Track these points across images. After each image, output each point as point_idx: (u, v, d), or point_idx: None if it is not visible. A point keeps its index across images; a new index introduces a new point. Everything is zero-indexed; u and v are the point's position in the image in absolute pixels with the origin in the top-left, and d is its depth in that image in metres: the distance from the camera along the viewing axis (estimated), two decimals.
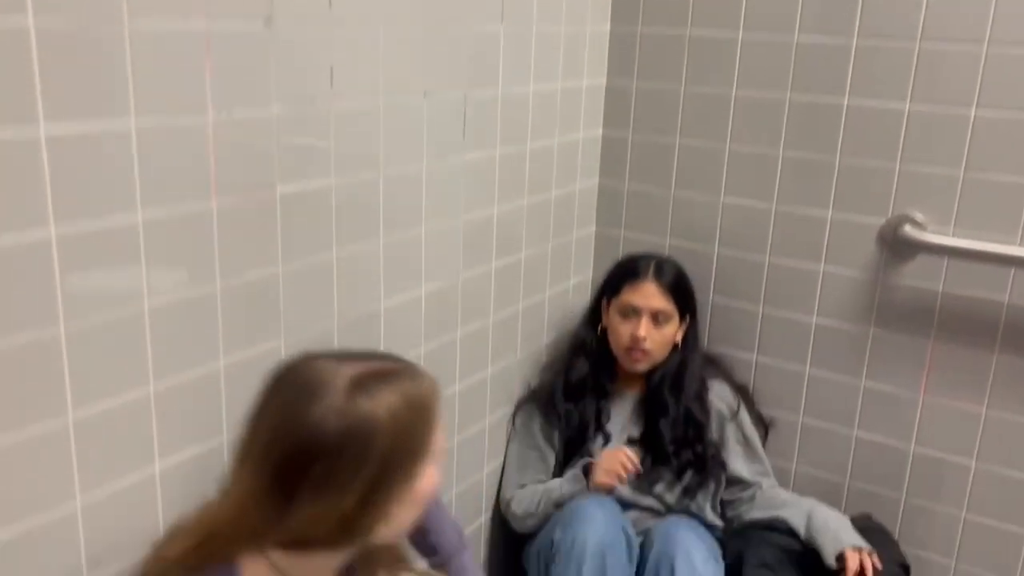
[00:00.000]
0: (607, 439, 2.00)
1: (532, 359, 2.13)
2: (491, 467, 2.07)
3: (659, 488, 1.95)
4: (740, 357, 2.14)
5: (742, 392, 2.08)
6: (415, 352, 1.72)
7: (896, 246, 1.90)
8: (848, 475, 2.08)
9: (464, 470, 1.97)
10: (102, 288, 1.11)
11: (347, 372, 0.99)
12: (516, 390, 2.10)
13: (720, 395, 2.03)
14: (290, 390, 1.00)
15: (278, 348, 1.40)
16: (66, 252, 1.05)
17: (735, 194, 2.08)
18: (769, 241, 2.06)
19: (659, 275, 1.95)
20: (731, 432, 2.01)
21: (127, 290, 1.14)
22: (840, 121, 1.92)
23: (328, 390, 0.96)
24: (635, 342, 1.92)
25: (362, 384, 0.98)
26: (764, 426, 2.11)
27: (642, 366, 1.95)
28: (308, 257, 1.42)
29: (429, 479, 1.03)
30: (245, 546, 1.01)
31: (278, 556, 1.03)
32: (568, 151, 2.09)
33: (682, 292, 1.97)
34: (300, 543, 1.01)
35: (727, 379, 2.07)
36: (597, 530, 1.72)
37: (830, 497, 2.04)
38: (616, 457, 1.82)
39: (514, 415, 2.10)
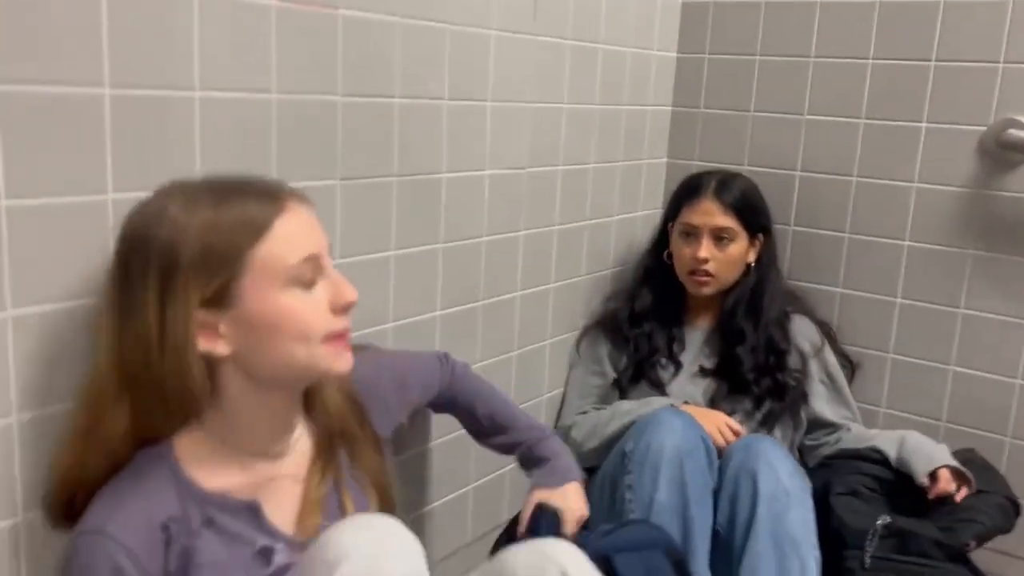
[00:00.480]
0: (678, 368, 1.85)
1: (597, 284, 2.01)
2: (552, 394, 1.94)
3: (736, 418, 1.77)
4: (822, 292, 1.99)
5: (825, 329, 1.91)
6: (476, 241, 1.63)
7: (999, 153, 1.75)
8: (944, 416, 1.89)
9: (522, 391, 1.84)
10: None
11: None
12: (579, 316, 1.97)
13: (802, 331, 1.86)
14: None
15: None
16: None
17: (818, 111, 1.95)
18: (856, 161, 1.92)
19: (720, 191, 1.81)
20: (814, 370, 1.85)
21: None
22: (936, 17, 1.79)
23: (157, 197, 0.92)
24: (696, 264, 1.79)
25: (188, 191, 0.92)
26: (851, 367, 1.94)
27: (708, 290, 1.82)
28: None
29: (270, 305, 0.89)
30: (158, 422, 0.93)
31: (208, 415, 0.95)
32: (641, 65, 2.00)
33: (750, 209, 1.83)
34: (185, 385, 0.91)
35: (809, 315, 1.92)
36: (675, 437, 1.56)
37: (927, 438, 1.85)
38: (715, 420, 1.68)
39: (578, 341, 1.97)
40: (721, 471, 1.60)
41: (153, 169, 1.04)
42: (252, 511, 0.97)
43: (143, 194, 0.96)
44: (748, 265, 1.84)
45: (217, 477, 0.96)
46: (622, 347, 1.88)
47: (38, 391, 0.99)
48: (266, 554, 0.97)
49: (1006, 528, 1.57)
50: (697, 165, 2.09)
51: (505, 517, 1.68)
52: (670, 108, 2.14)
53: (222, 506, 0.95)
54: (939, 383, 1.88)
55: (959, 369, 1.86)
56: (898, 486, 1.65)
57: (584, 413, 1.88)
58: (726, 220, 1.78)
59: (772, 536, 1.47)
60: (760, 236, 1.85)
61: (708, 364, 1.84)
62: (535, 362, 1.87)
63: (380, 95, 1.38)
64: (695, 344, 1.88)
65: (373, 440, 1.13)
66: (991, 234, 1.79)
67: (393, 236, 1.45)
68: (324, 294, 0.93)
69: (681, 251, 1.83)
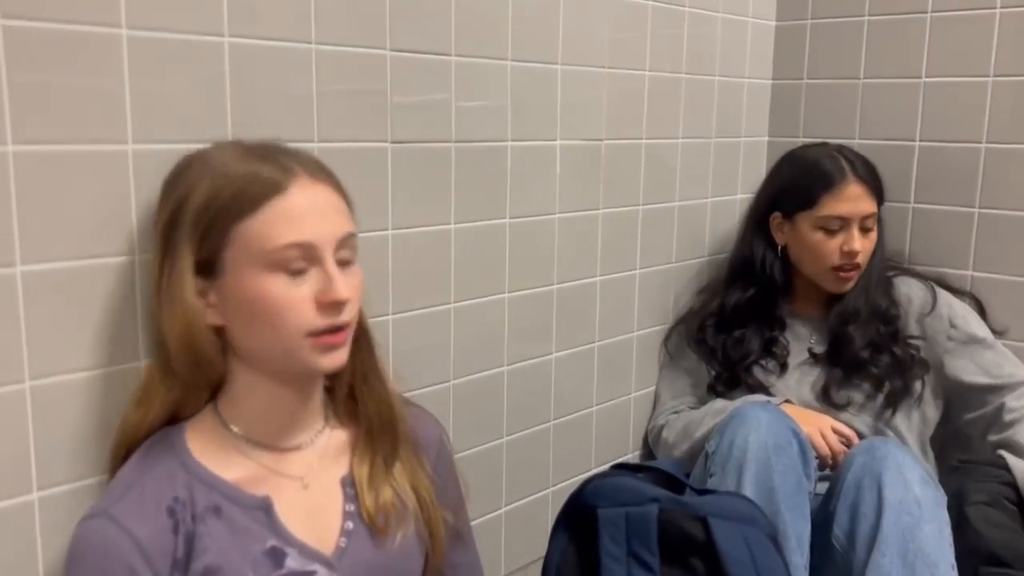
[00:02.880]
0: (783, 367, 1.65)
1: (690, 273, 1.83)
2: (640, 392, 1.77)
3: (853, 408, 1.58)
4: (951, 277, 1.74)
5: (936, 282, 1.67)
6: (547, 217, 1.49)
7: None
8: None
9: (606, 388, 1.68)
10: None
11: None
12: (670, 307, 1.80)
13: (907, 293, 1.65)
14: None
15: None
16: None
17: (940, 72, 1.73)
18: (985, 125, 1.69)
19: (856, 171, 1.61)
20: (935, 329, 1.60)
21: None
22: None
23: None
24: (848, 258, 1.59)
25: (223, 148, 0.90)
26: (979, 305, 1.69)
27: (851, 284, 1.62)
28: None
29: (247, 284, 0.84)
30: (182, 394, 0.90)
31: (220, 400, 0.92)
32: (735, 32, 1.83)
33: (880, 183, 1.64)
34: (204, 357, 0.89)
35: (911, 273, 1.70)
36: (761, 432, 1.37)
37: None
38: (818, 423, 1.47)
39: (667, 338, 1.80)
40: (840, 477, 1.38)
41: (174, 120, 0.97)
42: (264, 509, 0.90)
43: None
44: None
45: (227, 467, 0.90)
46: (710, 352, 1.70)
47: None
48: (276, 556, 0.89)
49: None
50: (802, 143, 1.89)
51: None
52: (770, 81, 1.96)
53: (232, 497, 0.89)
54: None
55: None
56: None
57: (677, 413, 1.71)
58: (871, 203, 1.61)
59: (901, 553, 1.25)
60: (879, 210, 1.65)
61: (818, 350, 1.65)
62: (621, 356, 1.71)
63: (434, 51, 1.27)
64: (803, 334, 1.68)
65: (418, 461, 1.01)
66: None
67: (452, 208, 1.34)
68: (312, 286, 0.85)
69: (823, 247, 1.61)
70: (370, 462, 0.96)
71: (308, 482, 0.94)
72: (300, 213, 0.84)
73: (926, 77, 1.75)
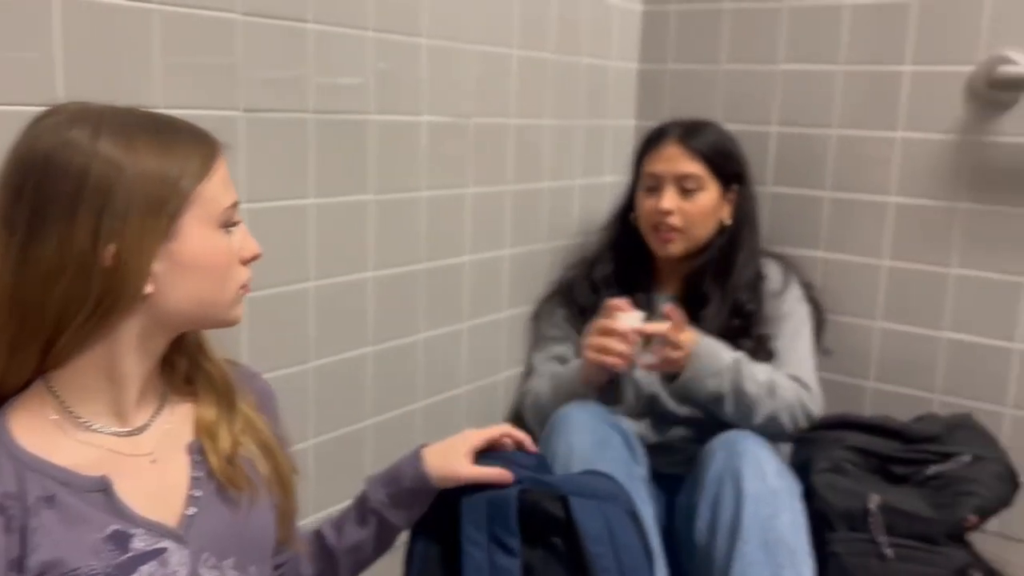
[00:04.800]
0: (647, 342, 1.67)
1: (560, 254, 1.84)
2: (509, 373, 1.77)
3: None
4: (802, 257, 1.83)
5: (792, 271, 1.68)
6: (414, 195, 1.47)
7: (990, 94, 1.60)
8: (937, 387, 1.72)
9: (475, 369, 1.67)
10: None
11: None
12: (540, 288, 1.81)
13: (769, 275, 1.66)
14: None
15: None
16: None
17: (795, 59, 1.80)
18: (836, 111, 1.77)
19: (686, 135, 1.61)
20: (771, 310, 1.62)
21: None
22: None
23: (59, 113, 0.83)
24: (659, 216, 1.59)
25: (100, 115, 0.83)
26: (819, 316, 1.70)
27: (675, 248, 1.61)
28: None
29: (202, 243, 0.86)
30: (5, 366, 0.84)
31: (55, 378, 0.86)
32: (603, 12, 1.85)
33: (721, 154, 1.63)
34: (59, 330, 0.82)
35: (777, 258, 1.70)
36: (582, 434, 1.40)
37: (915, 413, 1.69)
38: (602, 327, 1.48)
39: (538, 311, 1.80)
40: (701, 473, 1.42)
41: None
42: (102, 490, 0.84)
43: None
44: (721, 223, 1.64)
45: (60, 451, 0.84)
46: (580, 317, 1.68)
47: None
48: (120, 539, 0.83)
49: (1006, 500, 1.40)
50: None
51: None
52: (636, 65, 1.99)
53: (66, 482, 0.82)
54: (930, 351, 1.72)
55: (952, 335, 1.70)
56: (886, 458, 1.48)
57: (541, 376, 1.71)
58: (692, 166, 1.59)
59: (762, 541, 1.29)
60: (735, 187, 1.64)
61: None
62: (489, 336, 1.71)
63: (289, 17, 1.22)
64: (661, 312, 1.69)
65: (267, 426, 1.00)
66: (984, 185, 1.64)
67: (311, 182, 1.30)
68: (237, 244, 0.90)
69: (645, 204, 1.63)
70: (212, 421, 0.94)
71: (156, 456, 0.90)
72: (228, 176, 0.89)
73: (782, 64, 1.81)
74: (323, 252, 1.33)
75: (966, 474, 1.37)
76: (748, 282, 1.63)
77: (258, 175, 1.21)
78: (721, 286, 1.62)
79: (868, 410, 1.76)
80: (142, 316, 0.85)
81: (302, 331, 1.33)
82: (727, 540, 1.32)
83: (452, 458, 1.15)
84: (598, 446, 1.41)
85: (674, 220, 1.59)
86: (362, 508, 1.11)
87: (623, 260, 1.71)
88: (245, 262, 0.91)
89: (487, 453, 1.17)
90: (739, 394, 1.48)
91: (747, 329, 1.60)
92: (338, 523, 1.11)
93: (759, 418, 1.49)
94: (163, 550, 0.85)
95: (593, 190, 1.90)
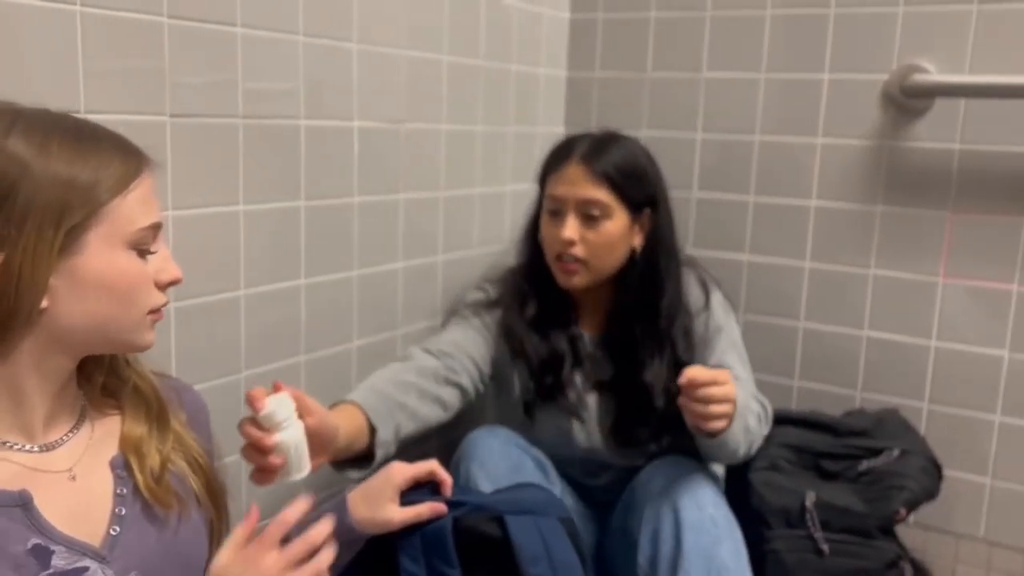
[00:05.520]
0: (570, 382, 1.49)
1: (490, 261, 1.84)
2: None
3: (643, 438, 1.47)
4: (728, 260, 1.87)
5: (704, 272, 1.56)
6: (346, 201, 1.45)
7: (904, 101, 1.66)
8: (859, 385, 1.78)
9: None
10: None
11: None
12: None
13: (686, 290, 1.51)
14: None
15: None
16: None
17: (718, 67, 1.85)
18: (758, 118, 1.82)
19: (590, 155, 1.42)
20: (697, 328, 1.48)
21: None
22: None
23: None
24: (561, 246, 1.42)
25: (18, 114, 0.80)
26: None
27: (579, 280, 1.44)
28: None
29: (106, 262, 0.82)
30: None
31: None
32: (531, 20, 1.86)
33: (628, 177, 1.42)
34: None
35: (693, 271, 1.54)
36: (494, 461, 1.35)
37: (841, 410, 1.75)
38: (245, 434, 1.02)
39: (478, 298, 1.57)
40: (637, 503, 1.37)
41: None
42: (21, 504, 0.81)
43: None
44: (632, 250, 1.46)
45: None
46: (524, 357, 1.50)
47: None
48: (41, 555, 0.80)
49: (932, 492, 1.46)
50: None
51: None
52: (565, 72, 2.01)
53: None
54: (852, 351, 1.78)
55: (872, 334, 1.76)
56: (820, 454, 1.52)
57: (428, 351, 1.44)
58: (596, 191, 1.40)
59: (704, 570, 1.25)
60: (646, 211, 1.46)
61: (603, 376, 1.49)
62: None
63: (217, 21, 1.19)
64: (588, 351, 1.52)
65: (196, 442, 0.97)
66: (899, 188, 1.71)
67: (241, 188, 1.27)
68: (154, 266, 0.86)
69: (547, 232, 1.46)
70: (140, 437, 0.91)
71: (75, 473, 0.86)
72: (149, 195, 0.85)
73: (706, 72, 1.86)
74: (254, 260, 1.30)
75: (895, 468, 1.43)
76: (677, 320, 1.47)
77: (186, 182, 1.17)
78: (650, 326, 1.46)
79: (795, 408, 1.81)
80: (40, 334, 0.81)
81: (234, 340, 1.29)
82: (668, 571, 1.28)
83: (380, 504, 1.12)
84: (512, 471, 1.35)
85: (576, 251, 1.42)
86: None
87: (542, 295, 1.52)
88: (162, 287, 0.87)
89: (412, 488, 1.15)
90: (747, 432, 1.35)
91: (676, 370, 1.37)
92: None
93: (752, 450, 1.40)
94: (84, 569, 0.82)
95: (523, 196, 1.91)
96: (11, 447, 0.83)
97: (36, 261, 0.77)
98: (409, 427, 1.32)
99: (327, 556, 0.90)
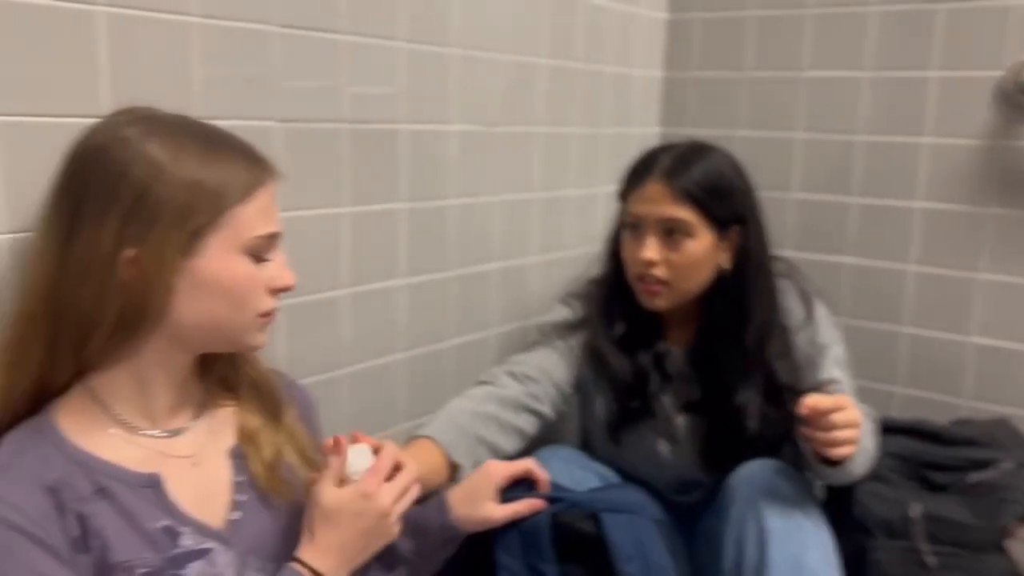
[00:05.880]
0: (659, 401, 1.45)
1: (584, 265, 1.84)
2: None
3: (735, 460, 1.36)
4: (827, 263, 1.83)
5: (804, 281, 1.46)
6: (443, 203, 1.48)
7: (1018, 99, 1.59)
8: (966, 394, 1.72)
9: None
10: None
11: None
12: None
13: (787, 305, 1.43)
14: None
15: None
16: None
17: (819, 65, 1.80)
18: (860, 117, 1.77)
19: (672, 171, 1.34)
20: (799, 344, 1.41)
21: None
22: None
23: (124, 113, 0.86)
24: (642, 267, 1.36)
25: (158, 118, 0.86)
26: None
27: (661, 302, 1.38)
28: None
29: (224, 266, 0.85)
30: (47, 364, 0.85)
31: (95, 379, 0.87)
32: (628, 21, 1.86)
33: (714, 194, 1.35)
34: (88, 335, 0.83)
35: (792, 283, 1.45)
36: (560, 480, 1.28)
37: (946, 419, 1.68)
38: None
39: (558, 322, 1.51)
40: (722, 510, 1.31)
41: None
42: (152, 486, 0.87)
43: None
44: (719, 268, 1.38)
45: (108, 449, 0.86)
46: (610, 377, 1.45)
47: None
48: (170, 535, 0.86)
49: None
50: (690, 134, 1.93)
51: None
52: (661, 73, 2.00)
53: (117, 477, 0.85)
54: (959, 357, 1.71)
55: (981, 340, 1.69)
56: (926, 464, 1.47)
57: (513, 375, 1.41)
58: (678, 210, 1.33)
59: None
60: (734, 228, 1.37)
61: (693, 396, 1.44)
62: (517, 343, 1.70)
63: (322, 28, 1.24)
64: (677, 369, 1.45)
65: (307, 437, 1.03)
66: (1012, 189, 1.63)
67: (345, 191, 1.31)
68: (268, 272, 0.90)
69: (627, 251, 1.40)
70: (256, 429, 0.96)
71: (198, 460, 0.91)
72: (270, 204, 0.89)
73: (807, 71, 1.82)
74: (356, 260, 1.34)
75: (1007, 481, 1.37)
76: (771, 343, 1.38)
77: (293, 184, 1.22)
78: (738, 349, 1.38)
79: (896, 415, 1.75)
80: (164, 332, 0.86)
81: (336, 338, 1.34)
82: None
83: (480, 503, 1.14)
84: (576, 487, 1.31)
85: (658, 271, 1.35)
86: (389, 556, 1.05)
87: (627, 312, 1.45)
88: (274, 292, 0.91)
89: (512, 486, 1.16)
90: (866, 453, 1.27)
91: (786, 414, 1.30)
92: (364, 568, 1.00)
93: (869, 469, 1.31)
94: (209, 550, 0.87)
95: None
96: (141, 432, 0.88)
97: (163, 261, 0.81)
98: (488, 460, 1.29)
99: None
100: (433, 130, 1.44)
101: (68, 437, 0.84)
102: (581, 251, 1.83)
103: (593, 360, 1.46)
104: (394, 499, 0.92)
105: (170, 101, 1.02)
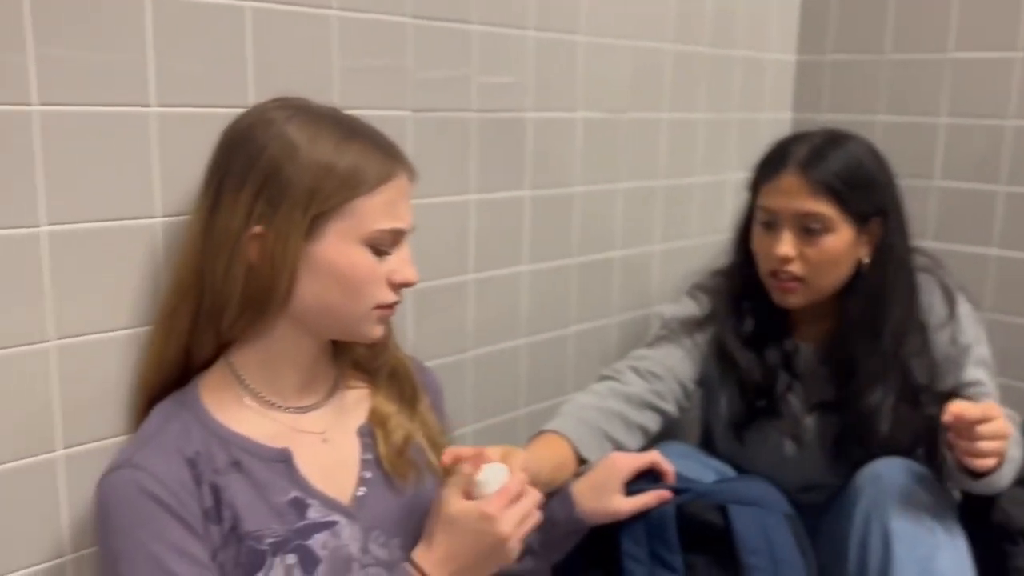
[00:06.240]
0: (786, 401, 1.40)
1: (709, 253, 1.81)
2: None
3: (864, 463, 1.31)
4: (974, 253, 1.73)
5: (945, 275, 1.39)
6: (568, 191, 1.49)
7: None
8: None
9: None
10: None
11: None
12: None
13: (929, 300, 1.36)
14: None
15: None
16: None
17: (966, 46, 1.71)
18: (1012, 101, 1.66)
19: (809, 163, 1.28)
20: (939, 343, 1.34)
21: None
22: None
23: (280, 99, 0.91)
24: (777, 263, 1.31)
25: (307, 106, 0.90)
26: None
27: (795, 300, 1.33)
28: None
29: (340, 254, 0.87)
30: (193, 337, 0.91)
31: (235, 355, 0.92)
32: (757, 7, 1.81)
33: (856, 186, 1.29)
34: (222, 310, 0.88)
35: (935, 277, 1.39)
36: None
37: None
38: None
39: (667, 319, 1.49)
40: (846, 509, 1.27)
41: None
42: (284, 460, 0.91)
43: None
44: (859, 262, 1.33)
45: (244, 423, 0.91)
46: (736, 376, 1.42)
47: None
48: (299, 507, 0.90)
49: None
50: (825, 120, 1.87)
51: None
52: (794, 57, 1.94)
53: (251, 451, 0.90)
54: None
55: None
56: None
57: (630, 370, 1.40)
58: (816, 204, 1.27)
59: None
60: (874, 221, 1.32)
61: (825, 396, 1.39)
62: (639, 331, 1.70)
63: (454, 19, 1.26)
64: (807, 367, 1.41)
65: (429, 409, 1.06)
66: None
67: (472, 179, 1.33)
68: (389, 266, 0.91)
69: (758, 246, 1.35)
70: (389, 414, 0.99)
71: (328, 437, 0.95)
72: (401, 200, 0.90)
73: (952, 52, 1.72)
74: (482, 246, 1.37)
75: None
76: (908, 342, 1.33)
77: (424, 173, 1.25)
78: (875, 347, 1.32)
79: None
80: (289, 314, 0.89)
81: (461, 322, 1.37)
82: None
83: (606, 496, 1.14)
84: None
85: (794, 268, 1.30)
86: None
87: (757, 308, 1.41)
88: (394, 286, 0.91)
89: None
90: (1012, 463, 1.20)
91: (915, 398, 1.32)
92: None
93: (1013, 478, 1.24)
94: (335, 523, 0.90)
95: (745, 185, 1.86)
96: (274, 407, 0.93)
97: (286, 241, 0.85)
98: None
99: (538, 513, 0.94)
100: (559, 118, 1.44)
101: (209, 411, 0.90)
102: (706, 240, 1.80)
103: (720, 357, 1.43)
104: (515, 525, 0.89)
105: (310, 92, 1.07)
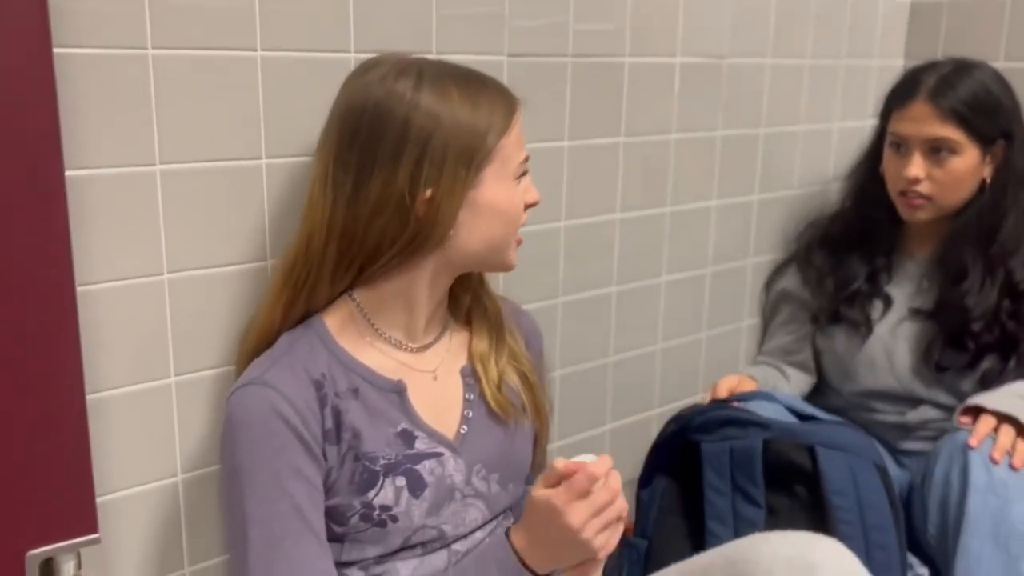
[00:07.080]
0: (887, 304, 1.52)
1: (811, 203, 1.77)
2: (752, 322, 1.75)
3: (951, 377, 1.44)
4: None
5: None
6: (664, 138, 1.47)
7: None
8: None
9: (717, 315, 1.66)
10: None
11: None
12: (788, 236, 1.75)
13: None
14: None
15: None
16: None
17: None
18: None
19: (938, 92, 1.40)
20: None
21: None
22: None
23: (383, 65, 0.92)
24: (906, 184, 1.43)
25: (420, 68, 0.92)
26: None
27: (923, 215, 1.45)
28: None
29: (498, 192, 0.93)
30: (326, 282, 0.94)
31: (360, 294, 0.97)
32: None
33: (981, 112, 1.39)
34: (373, 259, 0.92)
35: None
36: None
37: None
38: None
39: (772, 278, 1.72)
40: (929, 473, 1.30)
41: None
42: (398, 392, 0.97)
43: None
44: (983, 181, 1.43)
45: (364, 353, 0.97)
46: (816, 281, 1.60)
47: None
48: (407, 437, 0.96)
49: None
50: None
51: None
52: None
53: (369, 379, 0.95)
54: None
55: None
56: None
57: (759, 361, 1.67)
58: (944, 129, 1.39)
59: (992, 535, 1.19)
60: (1000, 144, 1.41)
61: (924, 304, 1.49)
62: (733, 284, 1.68)
63: None
64: (910, 278, 1.53)
65: (528, 361, 1.10)
66: None
67: (567, 124, 1.33)
68: (523, 190, 0.98)
69: (889, 168, 1.47)
70: (485, 352, 1.04)
71: (437, 375, 1.00)
72: (520, 132, 0.97)
73: None
74: (574, 193, 1.37)
75: None
76: (1018, 253, 1.42)
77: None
78: (983, 253, 1.42)
79: None
80: (439, 255, 0.94)
81: (553, 268, 1.38)
82: (954, 535, 1.22)
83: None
84: None
85: (922, 188, 1.42)
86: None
87: (866, 217, 1.56)
88: (526, 207, 0.98)
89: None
90: None
91: (1017, 312, 1.41)
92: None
93: None
94: (440, 454, 0.96)
95: (853, 134, 1.80)
96: (392, 342, 0.98)
97: (452, 196, 0.90)
98: None
99: (624, 503, 0.90)
100: (656, 63, 1.42)
101: (335, 337, 0.95)
102: (805, 190, 1.75)
103: (829, 254, 1.59)
104: (583, 519, 0.86)
105: (409, 38, 1.09)
